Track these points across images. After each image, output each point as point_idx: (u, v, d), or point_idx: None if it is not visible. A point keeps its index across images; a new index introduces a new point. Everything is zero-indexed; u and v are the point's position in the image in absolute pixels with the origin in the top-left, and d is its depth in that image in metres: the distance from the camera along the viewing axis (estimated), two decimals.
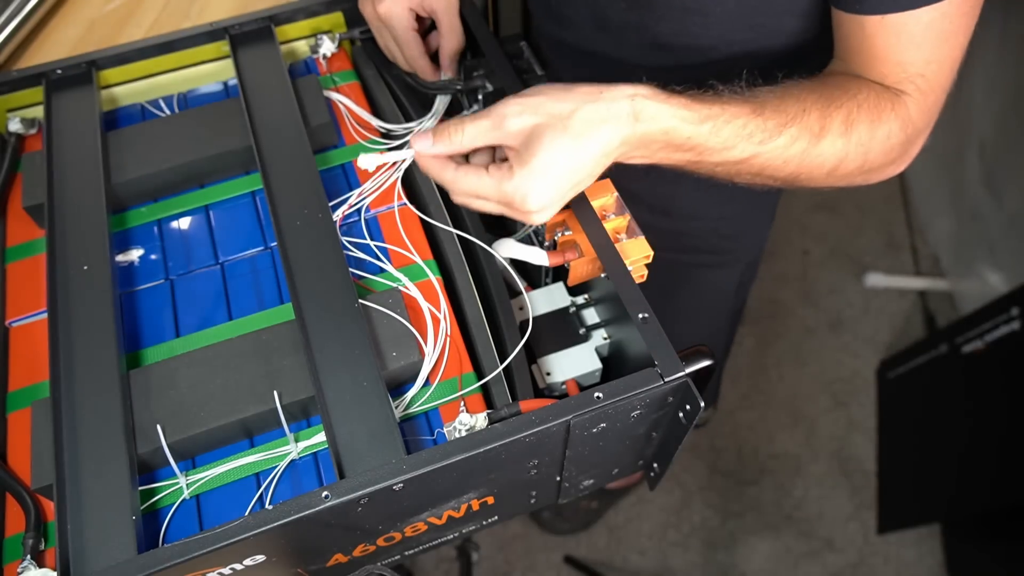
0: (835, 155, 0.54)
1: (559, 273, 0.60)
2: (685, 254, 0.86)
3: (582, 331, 0.56)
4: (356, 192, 0.60)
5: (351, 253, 0.56)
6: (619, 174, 0.54)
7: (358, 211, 0.59)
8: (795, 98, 0.53)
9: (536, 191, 0.48)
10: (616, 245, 0.52)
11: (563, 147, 0.47)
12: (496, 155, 0.53)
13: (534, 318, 0.56)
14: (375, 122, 0.65)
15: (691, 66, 0.66)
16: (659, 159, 0.52)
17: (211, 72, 0.70)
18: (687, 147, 0.50)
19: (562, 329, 0.56)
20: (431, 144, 0.51)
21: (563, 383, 0.54)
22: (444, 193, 0.61)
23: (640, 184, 0.75)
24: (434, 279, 0.55)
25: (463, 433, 0.46)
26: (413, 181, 0.62)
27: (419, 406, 0.50)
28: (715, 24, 0.61)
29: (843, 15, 0.56)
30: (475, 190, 0.50)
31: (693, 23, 0.62)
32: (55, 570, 0.43)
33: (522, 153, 0.48)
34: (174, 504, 0.47)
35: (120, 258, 0.58)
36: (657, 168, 0.54)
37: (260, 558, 0.44)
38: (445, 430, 0.48)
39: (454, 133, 0.50)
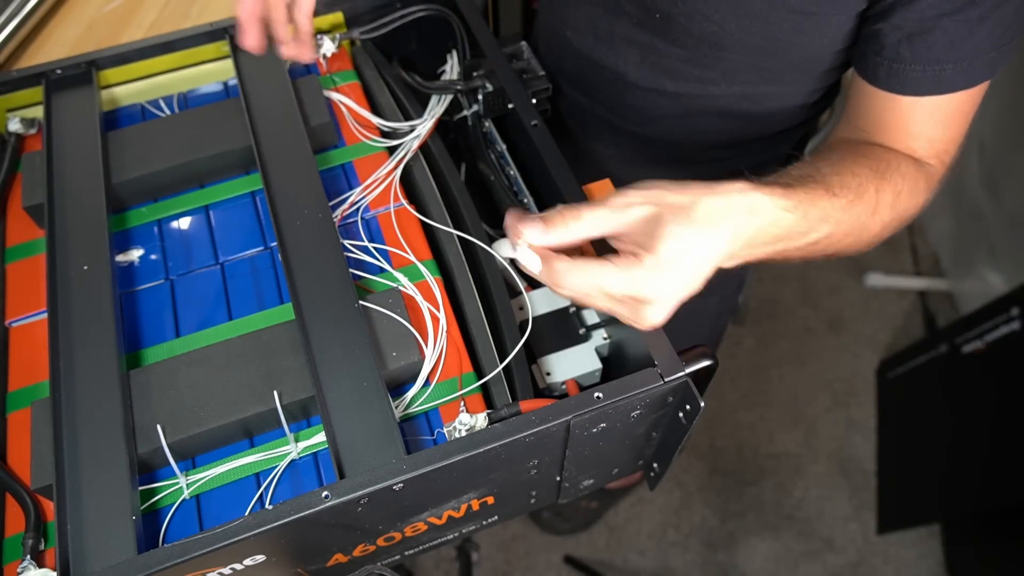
0: (883, 224, 0.55)
1: None
2: None
3: (582, 331, 0.56)
4: (356, 192, 0.60)
5: (351, 254, 0.56)
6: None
7: (358, 211, 0.59)
8: (851, 173, 0.52)
9: (667, 280, 0.43)
10: None
11: (688, 238, 0.42)
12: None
13: (534, 318, 0.56)
14: (376, 120, 0.65)
15: (688, 95, 0.66)
16: (757, 255, 0.48)
17: (211, 72, 0.70)
18: (782, 236, 0.47)
19: (562, 329, 0.56)
20: (542, 232, 0.45)
21: (563, 383, 0.54)
22: (444, 193, 0.61)
23: None
24: (432, 280, 0.55)
25: (463, 433, 0.46)
26: (413, 181, 0.62)
27: (419, 406, 0.50)
28: (725, 59, 0.61)
29: (876, 91, 0.57)
30: (596, 282, 0.43)
31: (705, 55, 0.62)
32: (55, 570, 0.43)
33: (646, 242, 0.43)
34: (174, 504, 0.47)
35: (120, 258, 0.58)
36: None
37: (260, 558, 0.44)
38: (445, 430, 0.48)
39: (571, 220, 0.44)
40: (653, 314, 0.44)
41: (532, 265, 0.46)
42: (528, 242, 0.45)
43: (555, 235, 0.45)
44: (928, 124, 0.57)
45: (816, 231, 0.49)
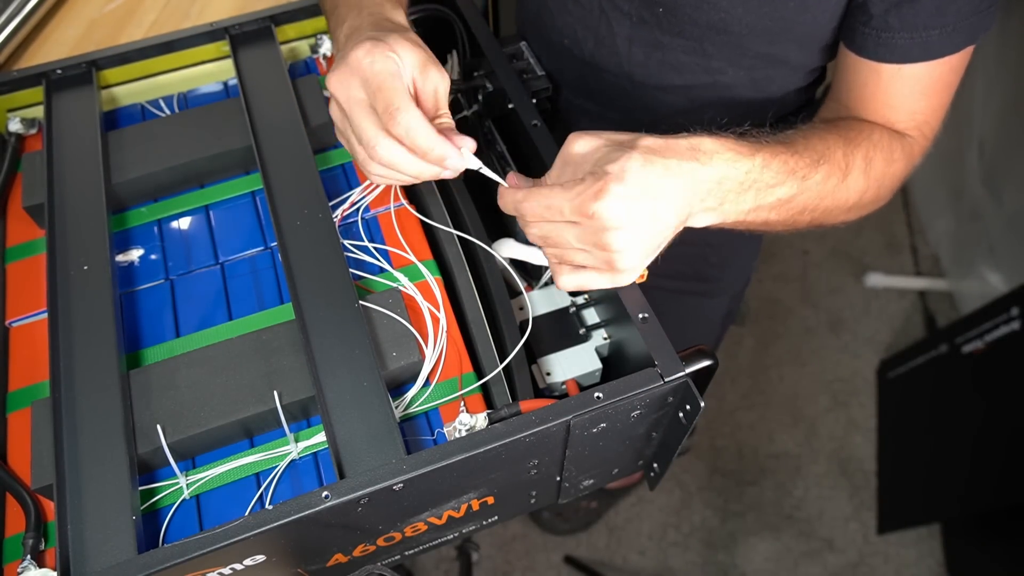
0: (858, 190, 0.56)
1: None
2: (669, 280, 0.85)
3: (582, 331, 0.56)
4: (356, 192, 0.60)
5: (351, 254, 0.56)
6: None
7: (358, 211, 0.59)
8: (819, 138, 0.54)
9: (612, 193, 0.43)
10: None
11: (634, 162, 0.44)
12: None
13: (534, 318, 0.56)
14: None
15: (695, 87, 0.67)
16: (728, 208, 0.49)
17: (211, 72, 0.70)
18: (747, 184, 0.49)
19: (562, 329, 0.56)
20: (518, 178, 0.51)
21: (563, 383, 0.54)
22: (444, 193, 0.61)
23: None
24: (432, 280, 0.55)
25: (463, 433, 0.46)
26: None
27: (419, 406, 0.50)
28: (731, 44, 0.62)
29: (860, 62, 0.58)
30: (547, 202, 0.46)
31: (711, 42, 0.62)
32: (55, 570, 0.43)
33: (593, 169, 0.46)
34: (174, 504, 0.47)
35: (120, 258, 0.58)
36: None
37: (260, 558, 0.44)
38: (445, 430, 0.48)
39: (543, 182, 0.50)
40: (615, 239, 0.44)
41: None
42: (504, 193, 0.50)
43: (527, 180, 0.51)
44: (909, 95, 0.58)
45: (784, 186, 0.50)
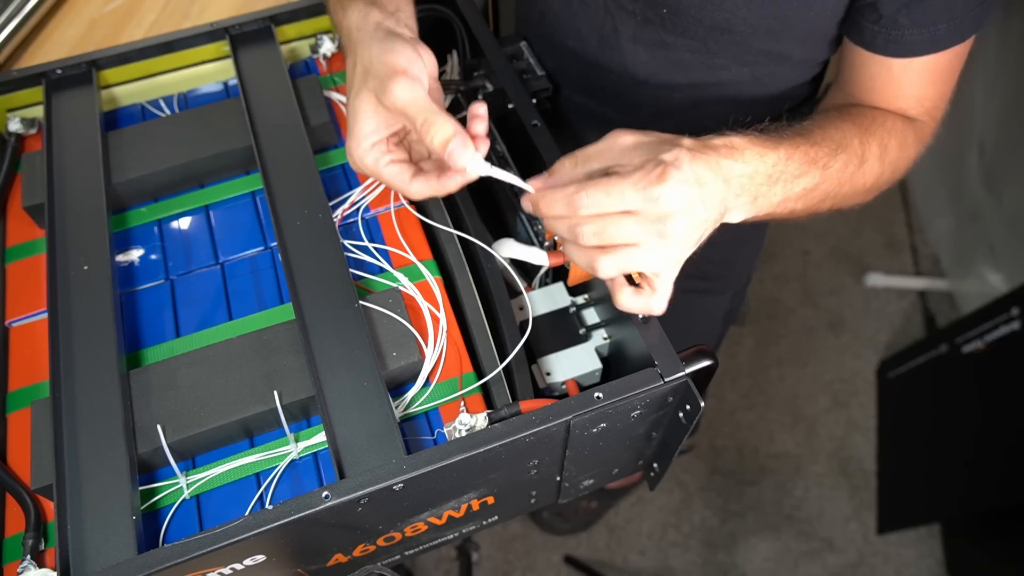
0: (874, 175, 0.58)
1: (559, 273, 0.60)
2: None
3: (582, 331, 0.56)
4: (356, 192, 0.60)
5: (351, 254, 0.56)
6: None
7: (358, 211, 0.59)
8: (834, 127, 0.56)
9: (673, 177, 0.44)
10: None
11: (685, 153, 0.46)
12: None
13: (534, 318, 0.56)
14: None
15: (699, 85, 0.67)
16: (761, 202, 0.50)
17: (211, 72, 0.70)
18: (775, 177, 0.50)
19: (562, 329, 0.56)
20: (546, 176, 0.50)
21: (563, 383, 0.54)
22: None
23: None
24: (432, 280, 0.55)
25: (463, 433, 0.46)
26: None
27: (419, 406, 0.50)
28: (736, 43, 0.62)
29: (868, 56, 0.59)
30: (612, 192, 0.45)
31: (715, 41, 0.62)
32: (55, 570, 0.43)
33: (646, 158, 0.46)
34: (174, 504, 0.47)
35: (120, 258, 0.58)
36: None
37: (260, 558, 0.44)
38: (445, 430, 0.48)
39: (567, 160, 0.50)
40: (675, 225, 0.45)
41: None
42: (533, 186, 0.49)
43: (557, 177, 0.50)
44: (918, 83, 0.60)
45: (807, 176, 0.52)
